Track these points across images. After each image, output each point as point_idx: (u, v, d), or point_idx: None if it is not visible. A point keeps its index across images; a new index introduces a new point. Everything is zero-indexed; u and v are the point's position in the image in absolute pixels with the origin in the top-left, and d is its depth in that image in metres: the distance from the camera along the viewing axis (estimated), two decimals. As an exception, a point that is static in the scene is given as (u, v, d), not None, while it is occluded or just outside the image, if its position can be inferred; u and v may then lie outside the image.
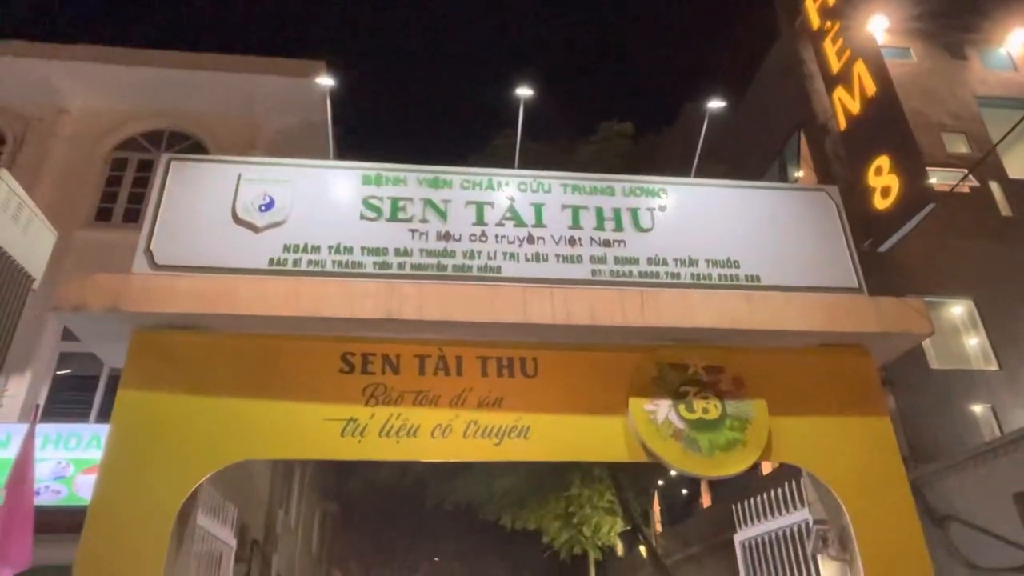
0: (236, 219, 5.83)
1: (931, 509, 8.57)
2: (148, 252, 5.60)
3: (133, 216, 10.84)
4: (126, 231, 10.42)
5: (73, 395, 9.40)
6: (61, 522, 5.57)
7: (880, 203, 10.34)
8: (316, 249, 5.79)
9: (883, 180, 10.43)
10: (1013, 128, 11.38)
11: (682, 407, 5.58)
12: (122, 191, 11.29)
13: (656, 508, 16.77)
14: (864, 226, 8.10)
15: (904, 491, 5.53)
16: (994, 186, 13.18)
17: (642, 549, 14.34)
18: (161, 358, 5.33)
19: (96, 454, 7.65)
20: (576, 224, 6.20)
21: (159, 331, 5.39)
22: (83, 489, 7.36)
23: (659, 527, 17.06)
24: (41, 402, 8.72)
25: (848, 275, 6.25)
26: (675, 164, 11.71)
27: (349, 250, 5.84)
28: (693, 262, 6.14)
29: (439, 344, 5.63)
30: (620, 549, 15.93)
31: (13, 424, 8.19)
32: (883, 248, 10.41)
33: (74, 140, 11.45)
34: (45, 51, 11.31)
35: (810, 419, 5.70)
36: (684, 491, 17.22)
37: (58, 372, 9.60)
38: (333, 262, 5.76)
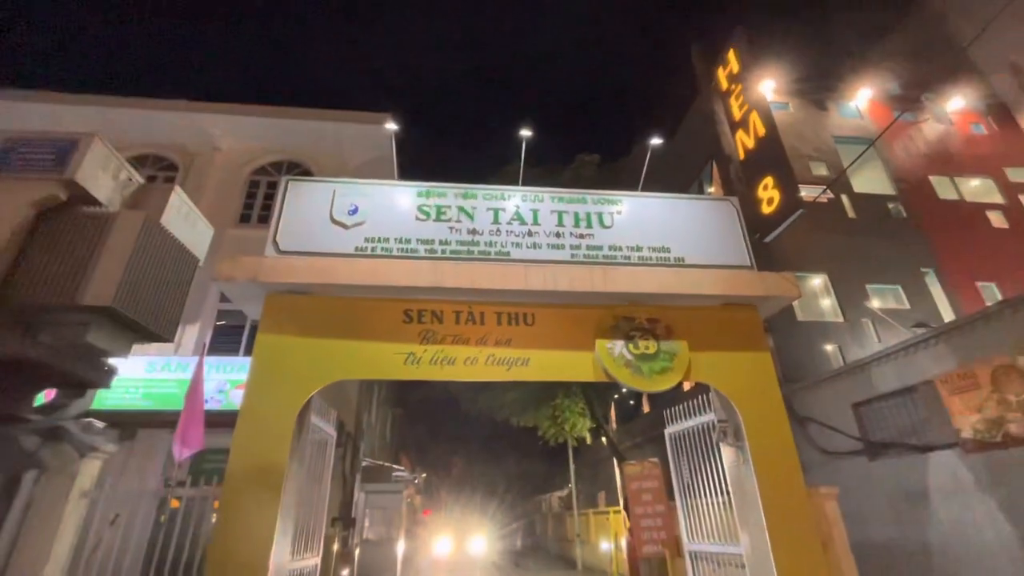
0: (332, 220, 5.80)
1: (796, 413, 8.60)
2: (275, 242, 5.58)
3: (264, 219, 10.80)
4: (260, 230, 10.40)
5: (227, 337, 9.50)
6: (221, 420, 5.65)
7: (766, 209, 10.20)
8: (386, 240, 5.76)
9: (768, 193, 10.28)
10: (857, 159, 11.14)
11: (631, 346, 5.57)
12: (256, 203, 11.24)
13: (612, 413, 16.85)
14: (754, 225, 7.98)
15: (778, 400, 5.53)
16: (844, 198, 12.99)
17: (603, 440, 14.51)
18: (285, 313, 5.35)
19: (243, 376, 7.75)
20: (560, 223, 6.14)
21: (283, 295, 5.40)
22: (236, 398, 7.47)
23: (614, 425, 17.16)
24: (207, 342, 8.81)
25: (743, 257, 6.17)
26: (628, 182, 11.55)
27: (408, 241, 5.80)
28: (639, 248, 6.07)
29: (469, 303, 5.63)
30: (589, 439, 16.09)
31: (190, 356, 8.29)
32: (767, 240, 10.30)
33: (224, 168, 11.37)
34: (204, 107, 11.18)
35: (716, 353, 5.68)
36: (631, 402, 17.32)
37: (217, 323, 9.69)
38: (397, 249, 5.74)
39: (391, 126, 10.43)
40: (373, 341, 5.32)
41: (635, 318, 5.74)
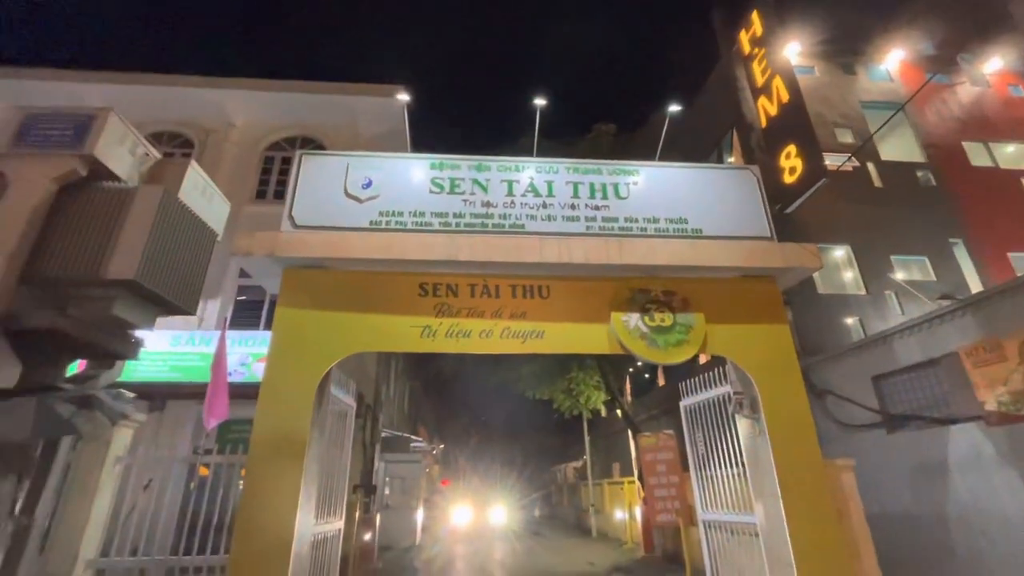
0: (346, 194, 5.79)
1: (814, 386, 8.52)
2: (291, 217, 5.61)
3: (279, 195, 10.86)
4: (275, 205, 10.48)
5: (248, 312, 9.69)
6: (245, 392, 5.81)
7: (788, 179, 9.90)
8: (400, 214, 5.75)
9: (790, 162, 9.96)
10: (884, 123, 10.69)
11: (646, 318, 5.54)
12: (272, 179, 11.29)
13: (627, 386, 16.92)
14: (776, 195, 7.75)
15: (796, 373, 5.48)
16: (870, 166, 12.52)
17: (618, 412, 14.63)
18: (302, 287, 5.42)
19: (264, 349, 7.94)
20: (576, 195, 6.04)
21: (300, 269, 5.46)
22: (258, 371, 7.66)
23: (629, 398, 17.25)
24: (228, 316, 9.01)
25: (763, 228, 6.03)
26: (645, 153, 11.28)
27: (422, 214, 5.78)
28: (656, 220, 5.96)
29: (484, 276, 5.63)
30: (604, 412, 16.23)
31: (213, 331, 8.50)
32: (789, 211, 10.04)
33: (239, 144, 11.40)
34: (218, 82, 11.16)
35: (733, 326, 5.62)
36: (647, 375, 17.35)
37: (238, 298, 9.87)
38: (412, 222, 5.72)
39: (403, 97, 10.31)
40: (389, 314, 5.38)
41: (651, 290, 5.69)
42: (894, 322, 9.58)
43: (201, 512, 5.07)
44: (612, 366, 12.34)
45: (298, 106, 11.39)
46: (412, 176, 6.05)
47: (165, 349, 8.02)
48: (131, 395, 3.54)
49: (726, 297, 5.73)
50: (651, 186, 6.21)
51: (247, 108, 11.39)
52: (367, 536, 9.78)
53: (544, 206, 5.94)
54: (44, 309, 3.01)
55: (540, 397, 14.35)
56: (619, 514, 13.68)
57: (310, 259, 5.35)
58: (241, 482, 5.12)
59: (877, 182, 12.35)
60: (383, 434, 13.34)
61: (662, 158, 7.30)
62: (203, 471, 5.98)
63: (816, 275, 9.68)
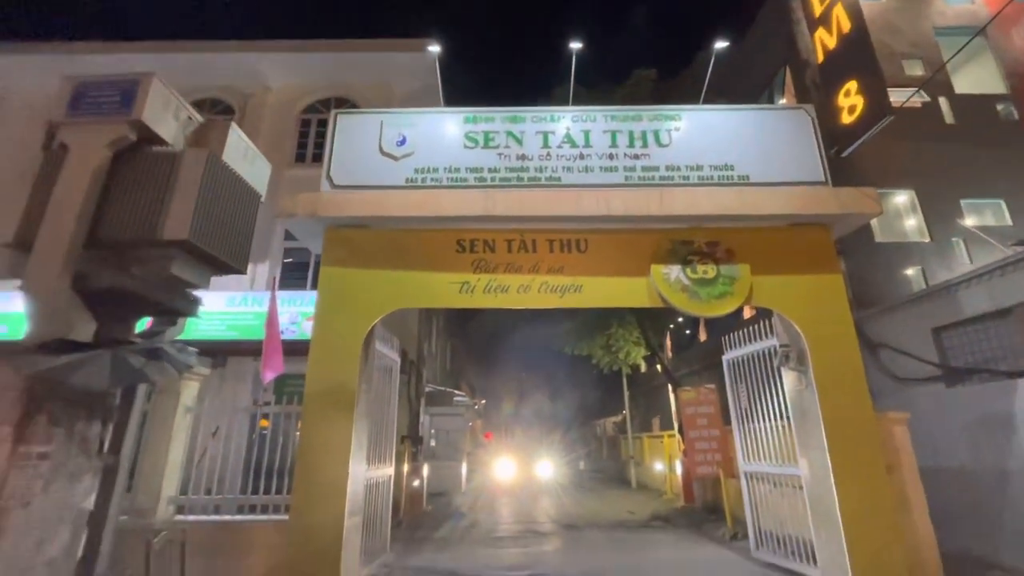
0: (382, 152, 5.81)
1: (867, 339, 8.17)
2: (329, 177, 5.70)
3: (318, 158, 11.00)
4: (315, 168, 10.64)
5: (295, 273, 10.08)
6: (297, 349, 6.10)
7: (846, 118, 9.15)
8: (435, 170, 5.73)
9: (850, 100, 9.17)
10: (960, 49, 9.63)
11: (688, 270, 5.39)
12: (309, 141, 11.43)
13: (668, 342, 16.78)
14: (832, 137, 7.20)
15: (847, 325, 5.25)
16: (942, 100, 11.38)
17: (658, 367, 14.56)
18: (344, 246, 5.56)
19: (312, 308, 8.28)
20: (614, 144, 5.82)
21: (341, 228, 5.59)
22: (307, 328, 8.01)
23: (670, 354, 17.14)
24: (277, 277, 9.42)
25: (817, 172, 5.66)
26: (688, 99, 10.65)
27: (457, 170, 5.74)
28: (699, 168, 5.69)
29: (520, 231, 5.59)
30: (643, 367, 16.18)
31: (263, 292, 8.92)
32: (846, 153, 9.34)
33: (276, 108, 11.54)
34: (252, 46, 11.22)
35: (782, 277, 5.40)
36: (687, 331, 17.10)
37: (285, 260, 10.25)
38: (447, 178, 5.70)
39: (434, 49, 10.07)
40: (428, 271, 5.46)
41: (693, 242, 5.51)
42: (960, 271, 8.93)
43: (264, 457, 5.48)
44: (652, 321, 12.18)
45: (330, 66, 11.34)
46: (446, 131, 5.97)
47: (222, 309, 8.50)
48: (194, 350, 3.78)
49: (774, 247, 5.48)
50: (694, 132, 5.90)
51: (282, 71, 11.42)
52: (416, 483, 10.36)
53: (581, 157, 5.76)
54: (110, 270, 3.21)
55: (579, 353, 14.43)
56: (658, 466, 13.86)
57: (350, 218, 5.46)
58: (298, 432, 5.49)
59: (949, 118, 11.24)
60: (427, 389, 13.87)
61: (707, 102, 6.88)
62: (264, 423, 6.43)
63: (874, 222, 9.09)
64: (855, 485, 4.69)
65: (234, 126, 3.93)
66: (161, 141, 3.49)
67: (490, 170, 5.72)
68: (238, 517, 5.16)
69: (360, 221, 5.50)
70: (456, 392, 17.85)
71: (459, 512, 10.86)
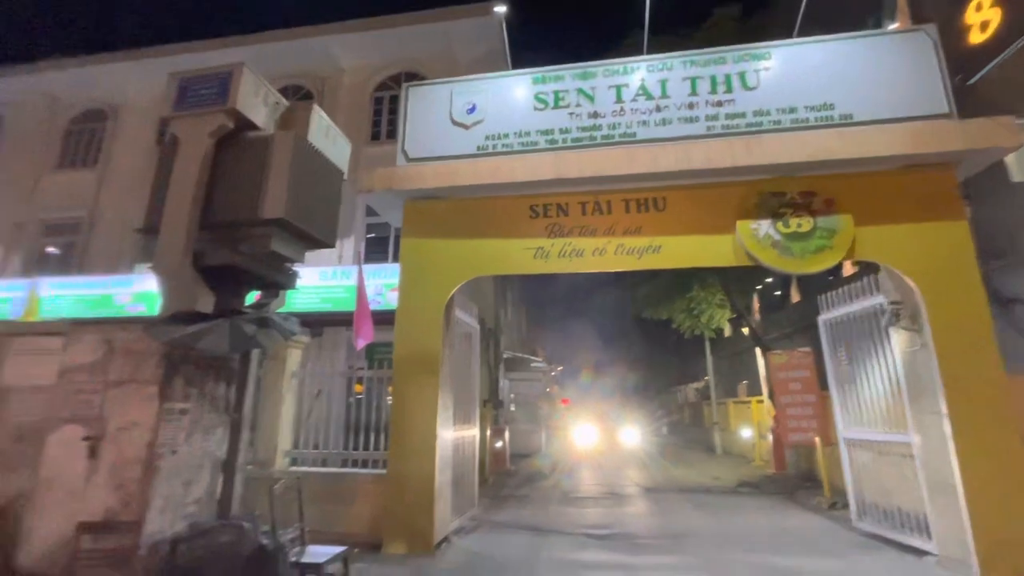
0: (453, 122, 5.85)
1: (999, 294, 7.16)
2: (404, 151, 5.86)
3: (392, 134, 11.34)
4: (389, 144, 11.03)
5: (377, 247, 10.62)
6: (383, 318, 6.46)
7: (977, 37, 7.82)
8: (505, 136, 5.69)
9: (982, 15, 7.81)
10: None
11: (779, 224, 4.99)
12: (383, 119, 11.77)
13: (755, 303, 15.81)
14: (957, 63, 6.19)
15: (973, 277, 4.61)
16: (1109, 3, 9.34)
17: (744, 331, 13.80)
18: (422, 218, 5.73)
19: (395, 280, 8.69)
20: (694, 91, 5.42)
21: (419, 201, 5.76)
22: (391, 299, 8.44)
23: (757, 316, 16.17)
24: (362, 251, 9.98)
25: (939, 103, 4.92)
26: (778, 35, 9.61)
27: (527, 134, 5.66)
28: (792, 110, 5.17)
29: (595, 193, 5.44)
30: (728, 331, 15.42)
31: (350, 266, 9.51)
32: (974, 80, 8.04)
33: (350, 89, 11.97)
34: (322, 29, 11.62)
35: (891, 226, 4.83)
36: (777, 292, 15.99)
37: (367, 235, 10.81)
38: (518, 143, 5.64)
39: (499, 9, 9.85)
40: (503, 238, 5.51)
41: (785, 193, 5.07)
42: None
43: (360, 417, 5.96)
44: (737, 282, 11.45)
45: (397, 42, 11.49)
46: (515, 95, 5.88)
47: (316, 283, 9.19)
48: (296, 319, 4.14)
49: (883, 193, 4.91)
50: (787, 70, 5.34)
51: (352, 51, 11.77)
52: (498, 444, 10.81)
53: (657, 109, 5.45)
54: (222, 248, 3.57)
55: (658, 318, 14.00)
56: (745, 433, 13.34)
57: (426, 190, 5.60)
58: (389, 398, 5.90)
59: (1118, 25, 9.23)
60: (504, 355, 14.24)
61: (802, 34, 6.14)
62: (358, 388, 6.95)
63: (1010, 158, 7.83)
64: (981, 455, 4.22)
65: (316, 108, 4.13)
66: (254, 126, 3.75)
67: (561, 131, 5.58)
68: (343, 470, 5.69)
69: (435, 192, 5.63)
70: (533, 358, 18.16)
71: (540, 473, 11.21)
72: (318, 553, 3.47)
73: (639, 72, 5.63)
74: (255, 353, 3.93)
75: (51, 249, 12.32)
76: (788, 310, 14.91)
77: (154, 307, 9.41)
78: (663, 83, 5.51)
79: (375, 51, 11.74)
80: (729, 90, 5.34)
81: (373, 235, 10.91)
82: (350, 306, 8.60)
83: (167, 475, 3.12)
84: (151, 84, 12.21)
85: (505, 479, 9.97)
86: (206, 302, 3.43)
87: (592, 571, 4.44)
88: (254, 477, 4.90)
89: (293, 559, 3.28)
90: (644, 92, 5.53)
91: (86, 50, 12.79)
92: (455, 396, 5.87)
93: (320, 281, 9.25)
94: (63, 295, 10.28)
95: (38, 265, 12.00)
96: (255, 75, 3.79)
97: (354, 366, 7.35)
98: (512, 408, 15.46)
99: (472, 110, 5.84)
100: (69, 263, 11.85)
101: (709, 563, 4.55)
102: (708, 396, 17.48)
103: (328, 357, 9.38)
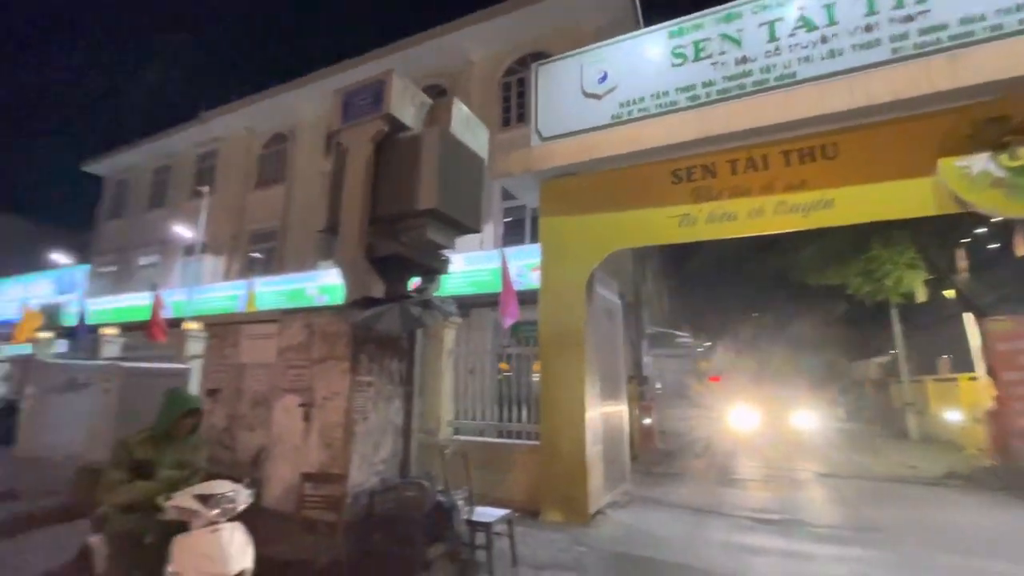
0: (584, 94, 5.73)
1: None
2: (537, 131, 5.92)
3: (522, 118, 11.55)
4: (519, 128, 11.26)
5: (515, 230, 10.98)
6: (524, 298, 6.67)
7: None
8: (641, 100, 5.40)
9: None
10: None
11: (1003, 157, 3.97)
12: (512, 104, 12.01)
13: (961, 260, 12.95)
14: None
15: None
16: None
17: (947, 294, 11.39)
18: (559, 196, 5.76)
19: (532, 260, 8.89)
20: (871, 10, 4.53)
21: (555, 179, 5.79)
22: (531, 279, 8.67)
23: (965, 275, 13.25)
24: (502, 234, 10.41)
25: None
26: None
27: (665, 94, 5.30)
28: (1018, 7, 4.03)
29: (747, 148, 4.90)
30: (922, 295, 12.89)
31: (491, 249, 9.99)
32: None
33: (480, 80, 12.41)
34: (451, 27, 12.19)
35: None
36: (995, 244, 12.87)
37: (504, 219, 11.23)
38: (655, 106, 5.32)
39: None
40: (644, 208, 5.28)
41: (1009, 117, 4.01)
42: None
43: (510, 392, 6.29)
44: (935, 236, 9.47)
45: (521, 24, 11.56)
46: (649, 54, 5.53)
47: (463, 268, 9.86)
48: (453, 301, 4.49)
49: None
50: (1008, -43, 4.16)
51: (479, 41, 12.16)
52: (646, 421, 10.58)
53: (823, 40, 4.68)
54: (387, 240, 4.00)
55: (826, 284, 12.28)
56: (951, 415, 11.13)
57: (561, 168, 5.60)
58: (535, 375, 6.13)
59: None
60: (648, 330, 13.79)
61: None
62: (503, 366, 7.32)
63: None
64: None
65: (456, 101, 4.36)
66: (405, 127, 4.10)
67: (704, 84, 5.12)
68: (499, 440, 6.08)
69: (571, 169, 5.60)
70: (678, 333, 17.31)
71: (692, 452, 10.73)
72: (486, 514, 3.77)
73: (796, 1, 4.88)
74: (419, 332, 4.37)
75: (256, 255, 15.09)
76: (1011, 266, 11.91)
77: (334, 296, 11.02)
78: (828, 8, 4.70)
79: (501, 38, 11.98)
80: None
81: (510, 219, 11.29)
82: (493, 288, 9.08)
83: (361, 437, 3.65)
84: (315, 105, 14.13)
85: (655, 457, 9.74)
86: (377, 289, 3.89)
87: (762, 556, 4.14)
88: (423, 443, 5.50)
89: (465, 517, 3.62)
90: (805, 23, 4.78)
91: (262, 85, 15.21)
92: (601, 372, 5.86)
93: (466, 266, 9.89)
94: (269, 291, 12.55)
95: (250, 268, 14.80)
96: (402, 79, 4.12)
97: (502, 344, 7.77)
98: (658, 386, 14.96)
99: (603, 79, 5.65)
100: (271, 265, 14.40)
101: (907, 561, 3.93)
102: (895, 373, 14.91)
103: (476, 337, 10.04)
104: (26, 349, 13.85)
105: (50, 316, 15.41)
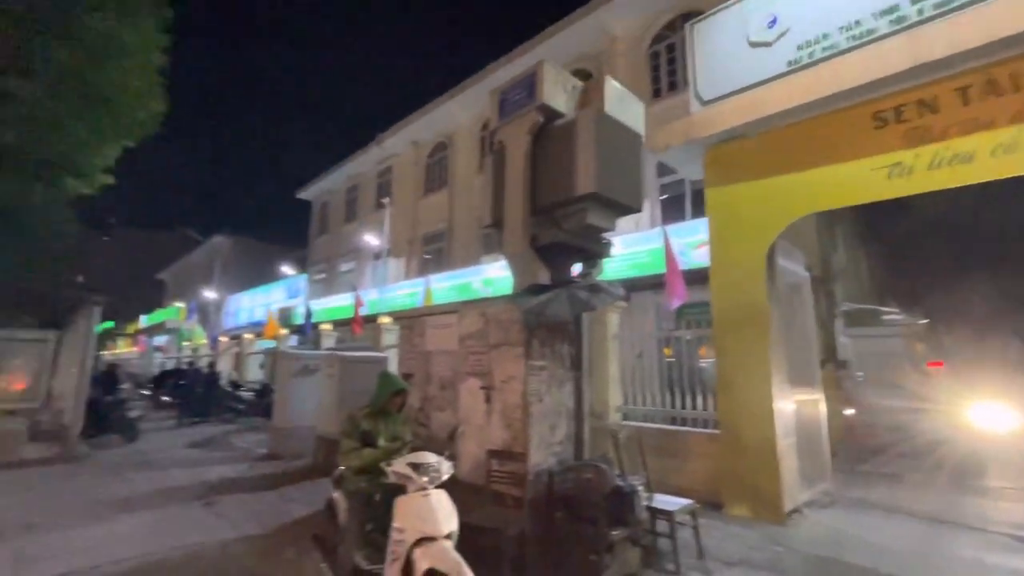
0: (751, 44, 5.10)
1: None
2: (697, 96, 5.46)
3: (673, 87, 10.81)
4: (670, 97, 10.57)
5: (673, 207, 10.35)
6: (689, 278, 6.16)
7: None
8: (826, 36, 4.60)
9: None
10: None
11: None
12: (661, 74, 11.29)
13: None
14: None
15: None
16: None
17: None
18: (727, 162, 5.25)
19: (694, 238, 8.27)
20: None
21: (721, 145, 5.29)
22: (696, 257, 8.07)
23: None
24: (660, 213, 9.91)
25: None
26: None
27: (858, 23, 4.43)
28: None
29: (983, 68, 3.85)
30: None
31: (649, 230, 9.59)
32: None
33: (626, 54, 11.91)
34: (591, 7, 11.89)
35: None
36: None
37: (660, 197, 10.66)
38: (846, 39, 4.48)
39: None
40: (837, 164, 4.51)
41: None
42: None
43: (677, 377, 5.95)
44: None
45: (668, -16, 10.78)
46: (831, -19, 4.67)
47: (621, 251, 9.63)
48: (619, 284, 4.42)
49: None
50: None
51: (621, 13, 11.63)
52: (848, 412, 9.12)
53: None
54: (549, 228, 4.09)
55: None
56: None
57: (729, 131, 5.08)
58: (702, 361, 5.71)
59: None
60: (842, 307, 11.84)
61: None
62: (666, 352, 6.95)
63: None
64: None
65: (608, 78, 4.25)
66: (559, 115, 4.12)
67: (912, 1, 4.14)
68: (673, 427, 5.82)
69: (740, 131, 5.05)
70: (882, 309, 14.55)
71: (911, 449, 8.93)
72: (668, 502, 3.65)
73: None
74: (585, 317, 4.39)
75: (427, 256, 16.82)
76: None
77: (497, 288, 11.70)
78: None
79: (641, 5, 11.32)
80: None
81: (667, 196, 10.69)
82: (654, 269, 8.69)
83: (538, 419, 3.81)
84: (469, 111, 15.13)
85: (860, 453, 8.35)
86: (544, 276, 4.00)
87: (1039, 586, 3.26)
88: (594, 428, 5.52)
89: (645, 503, 3.55)
90: None
91: (423, 99, 16.79)
92: (788, 355, 5.21)
93: (625, 248, 9.65)
94: (441, 287, 13.88)
95: (424, 267, 16.56)
96: (553, 67, 4.15)
97: (666, 327, 7.39)
98: (859, 374, 12.78)
99: (773, 23, 4.95)
100: (440, 263, 15.91)
101: None
102: None
103: (639, 321, 9.73)
104: (271, 344, 17.62)
105: (284, 317, 19.29)
